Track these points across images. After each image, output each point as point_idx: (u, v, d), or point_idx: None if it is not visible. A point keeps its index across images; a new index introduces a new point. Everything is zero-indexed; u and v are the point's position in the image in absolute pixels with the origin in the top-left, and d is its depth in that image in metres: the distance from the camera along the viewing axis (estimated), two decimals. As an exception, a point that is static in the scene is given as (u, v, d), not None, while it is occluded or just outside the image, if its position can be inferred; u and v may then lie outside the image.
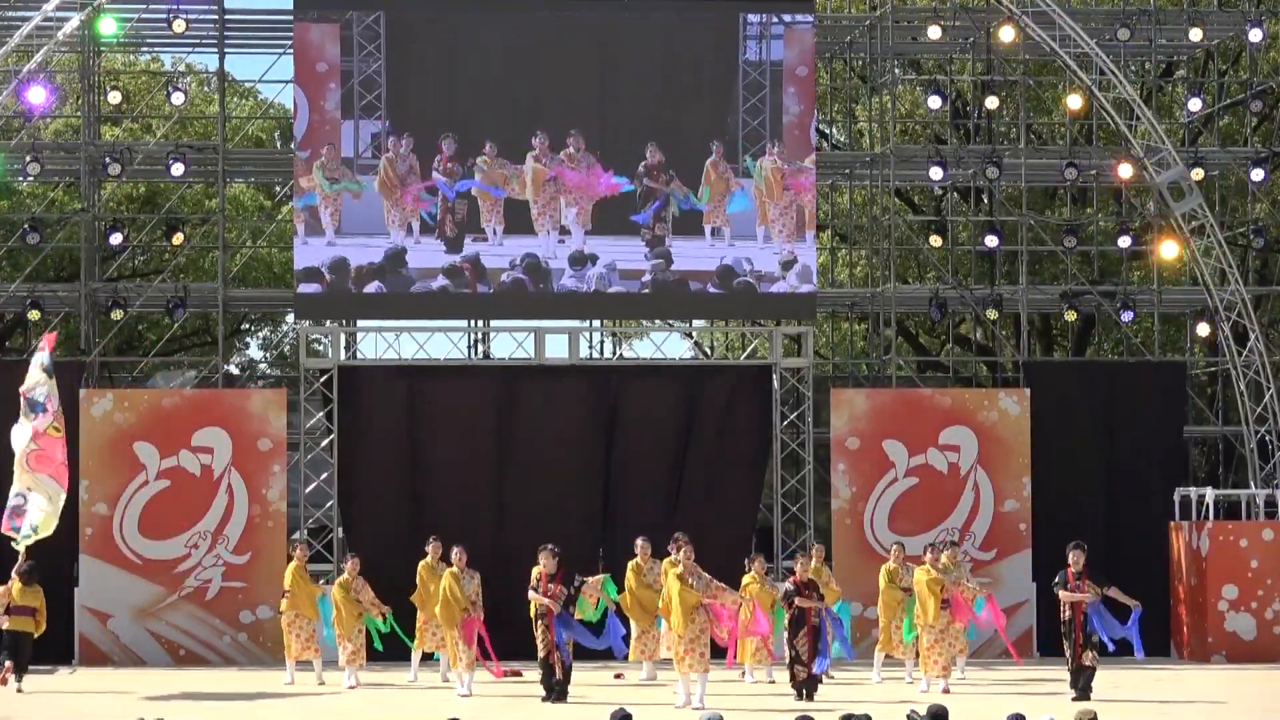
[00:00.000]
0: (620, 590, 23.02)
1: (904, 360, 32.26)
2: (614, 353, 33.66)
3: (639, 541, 23.45)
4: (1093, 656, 21.39)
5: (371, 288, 27.08)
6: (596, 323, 31.25)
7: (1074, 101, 29.33)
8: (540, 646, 20.99)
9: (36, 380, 23.33)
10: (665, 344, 32.80)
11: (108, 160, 27.55)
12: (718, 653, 21.45)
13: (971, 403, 27.72)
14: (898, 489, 27.20)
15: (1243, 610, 26.45)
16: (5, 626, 23.00)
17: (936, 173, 28.76)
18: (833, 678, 22.14)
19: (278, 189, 34.66)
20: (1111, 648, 21.86)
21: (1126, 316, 29.51)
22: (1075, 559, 21.74)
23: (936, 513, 27.08)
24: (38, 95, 27.06)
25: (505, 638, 23.56)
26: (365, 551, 24.48)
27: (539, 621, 21.01)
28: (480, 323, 29.41)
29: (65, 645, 25.61)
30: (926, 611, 22.59)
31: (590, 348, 31.05)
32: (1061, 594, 21.71)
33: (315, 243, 27.08)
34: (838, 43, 30.83)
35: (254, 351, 41.70)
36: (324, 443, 27.53)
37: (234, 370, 36.46)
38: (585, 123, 27.44)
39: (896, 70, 32.65)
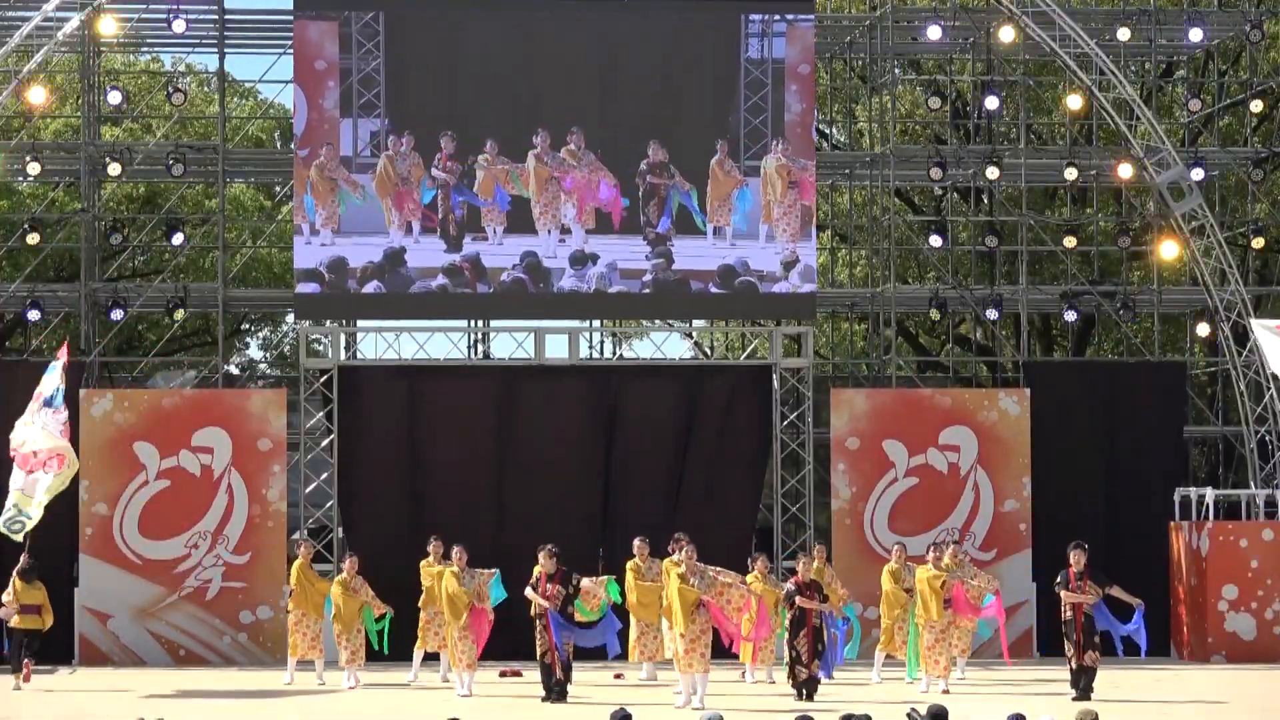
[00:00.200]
0: (622, 592, 23.00)
1: (904, 360, 32.27)
2: (614, 353, 33.65)
3: (636, 542, 23.46)
4: (1094, 657, 21.38)
5: (371, 287, 27.08)
6: (596, 323, 31.25)
7: (1074, 101, 29.33)
8: (539, 646, 21.00)
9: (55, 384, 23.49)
10: (665, 344, 32.81)
11: (108, 160, 27.56)
12: (718, 652, 21.42)
13: (971, 403, 27.72)
14: (898, 489, 27.20)
15: (1243, 610, 26.44)
16: (14, 624, 23.26)
17: (936, 173, 28.76)
18: (832, 678, 22.13)
19: (278, 189, 34.66)
20: (1120, 645, 21.84)
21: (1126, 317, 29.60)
22: (1077, 559, 21.74)
23: (936, 513, 27.08)
24: (38, 96, 27.12)
25: (505, 638, 23.56)
26: (365, 551, 24.47)
27: (538, 621, 21.01)
28: (480, 323, 29.40)
29: (65, 645, 25.60)
30: (929, 609, 22.59)
31: (590, 348, 31.05)
32: (1063, 594, 21.71)
33: (315, 242, 27.07)
34: (838, 43, 30.83)
35: (254, 351, 41.74)
36: (324, 443, 27.53)
37: (234, 370, 36.47)
38: (586, 121, 27.43)
39: (896, 70, 32.65)
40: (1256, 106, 31.46)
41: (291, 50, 27.75)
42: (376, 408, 27.01)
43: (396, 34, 27.35)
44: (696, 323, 34.22)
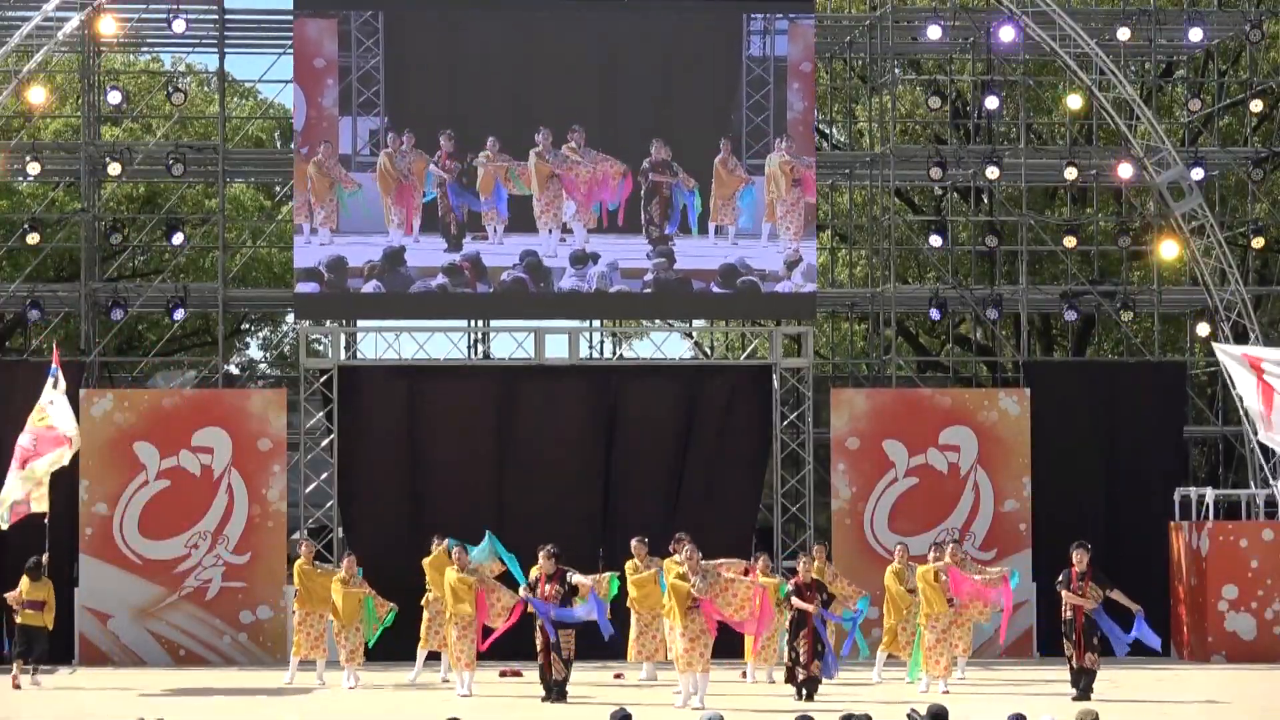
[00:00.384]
0: (623, 588, 23.01)
1: (904, 360, 32.27)
2: (614, 353, 33.65)
3: (634, 542, 23.46)
4: (1093, 659, 21.37)
5: (370, 287, 27.08)
6: (596, 323, 31.25)
7: (1074, 101, 29.32)
8: (538, 645, 20.99)
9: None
10: (665, 344, 32.81)
11: (108, 160, 27.57)
12: (719, 652, 21.39)
13: (971, 403, 27.72)
14: (898, 489, 27.20)
15: (1243, 610, 26.44)
16: (19, 621, 23.33)
17: (936, 173, 28.77)
18: (833, 678, 22.12)
19: (278, 189, 34.66)
20: (1123, 650, 21.78)
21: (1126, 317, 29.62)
22: (1079, 559, 21.73)
23: (936, 513, 27.08)
24: (38, 96, 27.14)
25: (505, 638, 23.56)
26: (365, 551, 24.47)
27: (536, 621, 21.05)
28: (480, 322, 29.40)
29: (65, 645, 25.59)
30: (932, 604, 22.59)
31: (590, 348, 31.05)
32: (1065, 594, 21.70)
33: (315, 242, 27.07)
34: (838, 43, 30.83)
35: (254, 351, 41.74)
36: (324, 443, 27.53)
37: (234, 370, 36.47)
38: (586, 120, 27.42)
39: (896, 70, 32.64)
40: (1256, 106, 31.46)
41: (291, 50, 27.75)
42: (376, 408, 27.02)
43: (396, 33, 27.35)
44: (696, 323, 34.23)
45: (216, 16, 28.20)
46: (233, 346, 38.43)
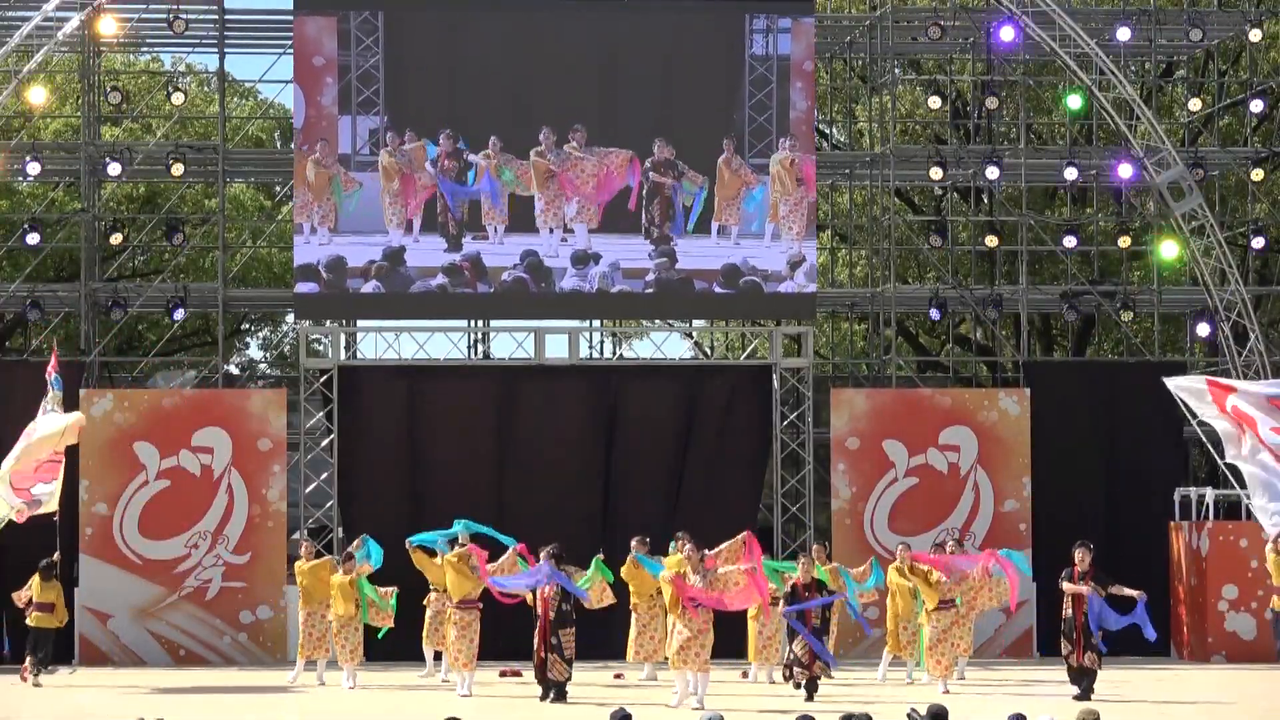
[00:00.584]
0: (615, 575, 23.07)
1: (904, 360, 32.27)
2: (614, 353, 33.66)
3: (634, 542, 23.45)
4: (1093, 658, 21.36)
5: (370, 286, 27.08)
6: (596, 323, 31.25)
7: (1074, 102, 29.33)
8: (537, 641, 20.98)
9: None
10: (665, 344, 32.81)
11: (108, 160, 27.57)
12: (719, 652, 21.39)
13: (971, 403, 27.73)
14: (898, 489, 27.21)
15: (1243, 610, 26.43)
16: (30, 624, 23.51)
17: (936, 173, 28.78)
18: (833, 678, 22.13)
19: (278, 189, 34.66)
20: (1121, 623, 21.68)
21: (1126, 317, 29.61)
22: (1081, 558, 21.74)
23: (936, 513, 27.09)
24: (38, 96, 27.16)
25: (505, 638, 23.60)
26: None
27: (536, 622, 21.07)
28: (480, 323, 29.40)
29: (65, 645, 25.58)
30: (930, 598, 22.60)
31: (590, 348, 31.05)
32: (1065, 585, 21.66)
33: (314, 241, 27.07)
34: (838, 43, 30.83)
35: (254, 351, 41.75)
36: (324, 443, 27.53)
37: (234, 370, 36.47)
38: (587, 120, 27.42)
39: (896, 70, 32.65)
40: (1256, 106, 31.46)
41: (291, 50, 27.75)
42: (376, 408, 27.02)
43: (396, 32, 27.35)
44: (696, 322, 34.23)
45: (216, 16, 28.20)
46: (233, 346, 38.44)
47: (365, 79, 27.29)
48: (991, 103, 29.55)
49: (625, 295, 27.65)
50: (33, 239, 28.14)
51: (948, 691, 21.90)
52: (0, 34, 27.52)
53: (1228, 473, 25.30)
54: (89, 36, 28.20)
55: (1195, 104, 30.64)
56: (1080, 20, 28.73)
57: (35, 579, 23.57)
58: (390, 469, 26.92)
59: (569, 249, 27.32)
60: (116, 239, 28.86)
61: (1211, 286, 28.53)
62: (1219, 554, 26.56)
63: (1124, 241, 30.02)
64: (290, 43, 27.90)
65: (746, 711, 19.71)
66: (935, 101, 29.59)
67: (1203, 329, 29.15)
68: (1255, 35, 29.40)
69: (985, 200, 32.40)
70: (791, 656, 21.18)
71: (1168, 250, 29.24)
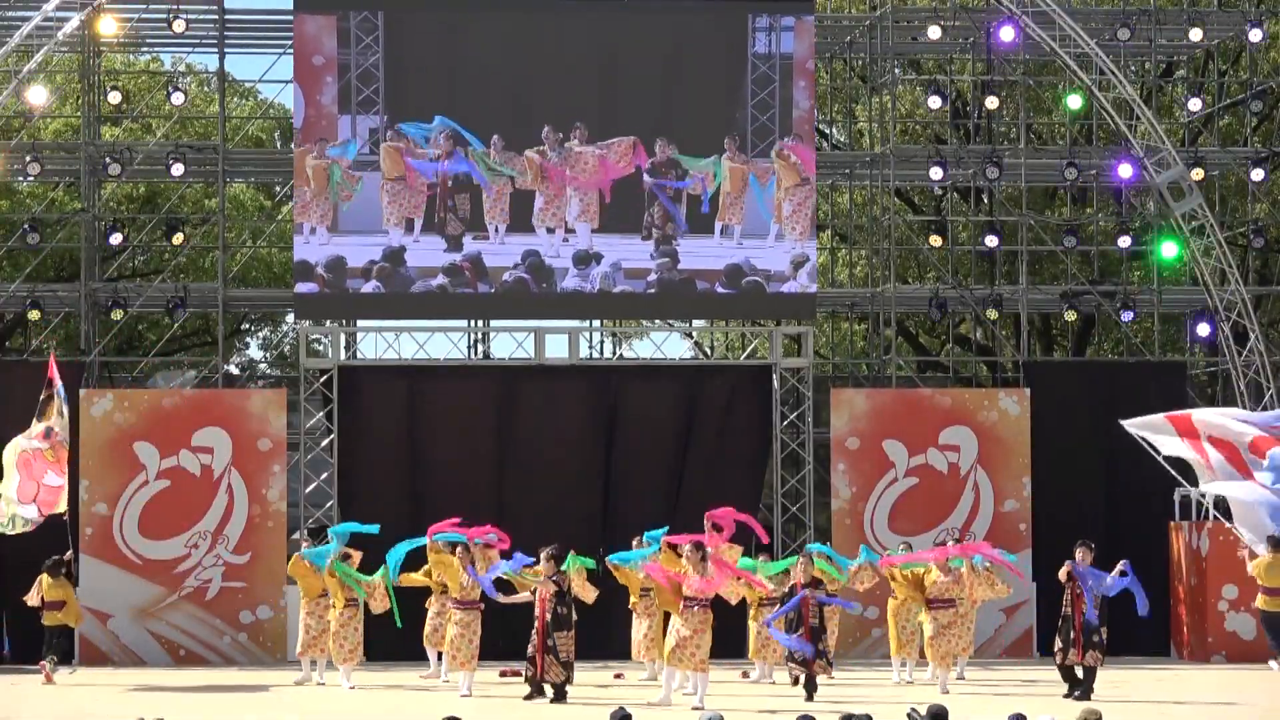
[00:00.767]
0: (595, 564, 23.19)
1: (904, 360, 32.28)
2: (614, 353, 33.66)
3: (634, 542, 23.45)
4: (1095, 656, 21.32)
5: (369, 287, 27.08)
6: (596, 323, 31.25)
7: (1074, 101, 29.33)
8: (534, 643, 20.98)
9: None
10: (665, 344, 32.81)
11: (108, 160, 27.58)
12: (719, 652, 21.38)
13: (971, 403, 27.73)
14: (898, 489, 27.21)
15: (1243, 610, 26.41)
16: (44, 623, 23.68)
17: (936, 173, 28.79)
18: (833, 678, 22.14)
19: (278, 189, 34.67)
20: (1117, 588, 21.55)
21: (1126, 316, 29.58)
22: (1082, 557, 21.68)
23: (936, 513, 27.09)
24: (38, 96, 27.17)
25: (505, 638, 23.60)
26: (365, 552, 24.43)
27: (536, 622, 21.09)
28: (480, 323, 29.40)
29: (65, 645, 25.58)
30: (916, 596, 22.66)
31: (590, 348, 31.05)
32: (1066, 565, 21.60)
33: (314, 241, 27.07)
34: (838, 43, 30.84)
35: (254, 351, 41.76)
36: (324, 443, 27.53)
37: (234, 370, 36.48)
38: (588, 120, 27.42)
39: (896, 70, 32.66)
40: (1256, 106, 31.47)
41: (291, 50, 27.75)
42: (376, 408, 27.02)
43: (395, 32, 27.35)
44: (696, 322, 34.24)
45: (216, 16, 28.21)
46: (233, 346, 38.45)
47: (365, 78, 27.28)
48: (991, 103, 29.56)
49: (626, 295, 27.65)
50: (33, 239, 28.16)
51: (947, 692, 21.90)
52: (0, 34, 27.53)
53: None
54: (89, 36, 28.21)
55: (1195, 104, 30.65)
56: (1080, 20, 28.74)
57: (44, 578, 23.66)
58: (390, 469, 26.93)
59: (570, 249, 27.32)
60: (116, 239, 28.86)
61: (1211, 286, 28.53)
62: (1219, 554, 26.55)
63: (1124, 241, 30.03)
64: (290, 43, 27.90)
65: (746, 711, 19.70)
66: (935, 101, 29.58)
67: (1203, 329, 29.15)
68: (1255, 35, 29.40)
69: (985, 200, 32.40)
70: (788, 655, 21.20)
71: (1168, 250, 29.25)
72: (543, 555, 21.15)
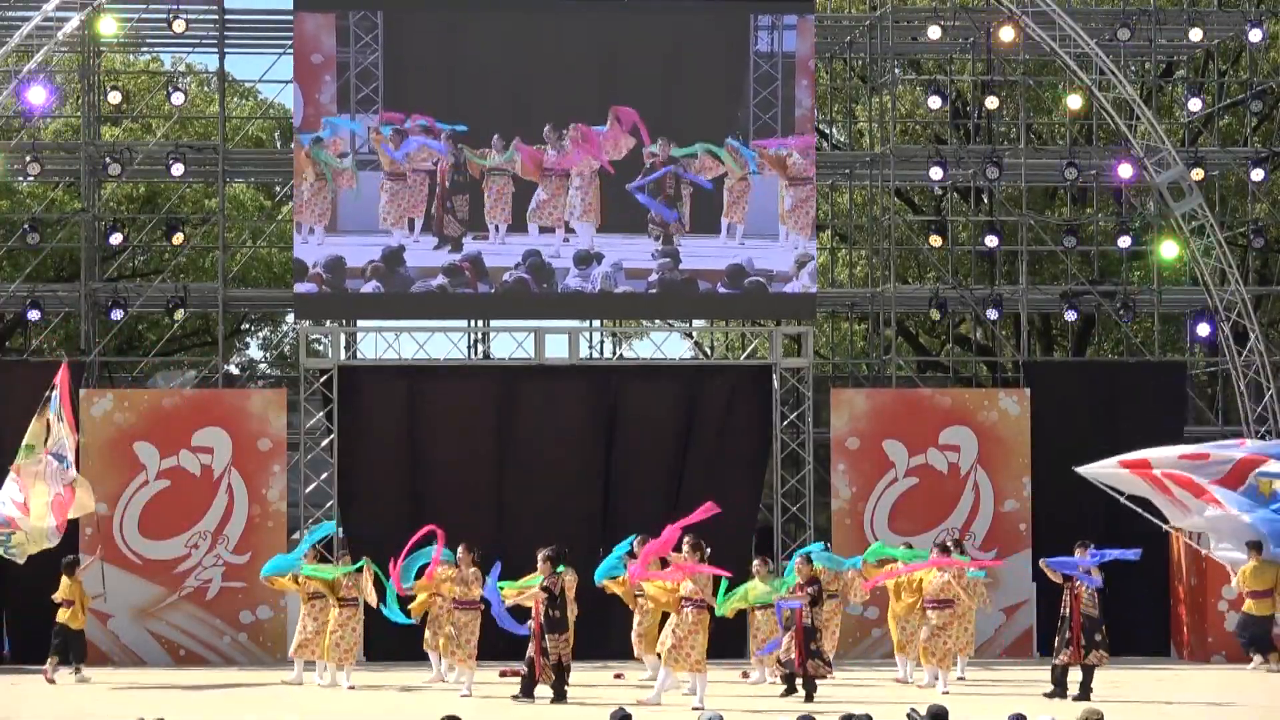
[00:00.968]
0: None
1: (904, 360, 32.28)
2: (614, 353, 33.66)
3: (634, 542, 23.44)
4: (1098, 655, 21.31)
5: (369, 287, 27.08)
6: (596, 322, 31.25)
7: (1074, 101, 29.34)
8: (532, 647, 21.00)
9: (58, 437, 23.55)
10: (665, 344, 32.80)
11: (108, 160, 27.59)
12: (719, 653, 21.38)
13: (971, 403, 27.73)
14: (898, 489, 27.21)
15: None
16: (57, 620, 23.84)
17: (936, 173, 28.79)
18: (833, 677, 22.14)
19: (278, 189, 34.67)
20: (1098, 559, 21.57)
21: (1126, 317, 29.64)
22: (1080, 557, 21.73)
23: (936, 513, 27.09)
24: (38, 95, 27.12)
25: (505, 638, 23.54)
26: (365, 552, 24.43)
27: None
28: (480, 323, 29.40)
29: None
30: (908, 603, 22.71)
31: (590, 348, 31.05)
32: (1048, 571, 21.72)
33: (314, 241, 27.06)
34: (838, 43, 30.84)
35: (254, 351, 41.77)
36: (324, 443, 27.53)
37: (234, 370, 36.48)
38: (588, 120, 27.40)
39: (896, 70, 32.66)
40: (1256, 106, 31.48)
41: (291, 50, 27.75)
42: (376, 408, 27.01)
43: (395, 32, 27.33)
44: (696, 322, 34.24)
45: (216, 16, 28.21)
46: (233, 346, 38.45)
47: (364, 76, 27.27)
48: (991, 103, 29.55)
49: (627, 295, 27.64)
50: (33, 239, 28.16)
51: (948, 692, 21.90)
52: (0, 34, 27.53)
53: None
54: (89, 36, 28.21)
55: (1195, 104, 30.66)
56: (1080, 20, 28.75)
57: (64, 577, 23.75)
58: (390, 469, 26.92)
59: (571, 249, 27.31)
60: (116, 239, 28.85)
61: (1211, 286, 28.53)
62: (1219, 554, 26.54)
63: (1124, 241, 30.03)
64: (290, 43, 27.90)
65: (746, 711, 19.71)
66: (935, 101, 29.59)
67: (1203, 329, 29.14)
68: (1255, 35, 29.40)
69: (985, 200, 32.40)
70: (786, 656, 21.26)
71: (1168, 250, 29.25)
72: (539, 556, 21.14)
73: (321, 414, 27.81)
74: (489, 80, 27.32)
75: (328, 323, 29.41)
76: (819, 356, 32.24)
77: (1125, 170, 28.72)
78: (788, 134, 27.51)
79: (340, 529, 26.95)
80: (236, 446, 26.39)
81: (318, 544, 23.58)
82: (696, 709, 19.69)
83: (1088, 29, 28.56)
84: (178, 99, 28.48)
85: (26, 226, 28.34)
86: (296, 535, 27.24)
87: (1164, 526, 24.96)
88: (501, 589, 21.34)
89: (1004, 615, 26.79)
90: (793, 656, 21.11)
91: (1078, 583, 21.42)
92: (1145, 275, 32.48)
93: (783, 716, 17.62)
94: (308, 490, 27.49)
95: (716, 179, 27.41)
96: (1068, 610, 21.61)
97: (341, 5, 27.27)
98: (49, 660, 23.64)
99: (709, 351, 39.07)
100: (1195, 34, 29.11)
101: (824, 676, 21.29)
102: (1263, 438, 28.03)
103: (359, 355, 29.31)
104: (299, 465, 27.42)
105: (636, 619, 23.26)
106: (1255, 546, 23.43)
